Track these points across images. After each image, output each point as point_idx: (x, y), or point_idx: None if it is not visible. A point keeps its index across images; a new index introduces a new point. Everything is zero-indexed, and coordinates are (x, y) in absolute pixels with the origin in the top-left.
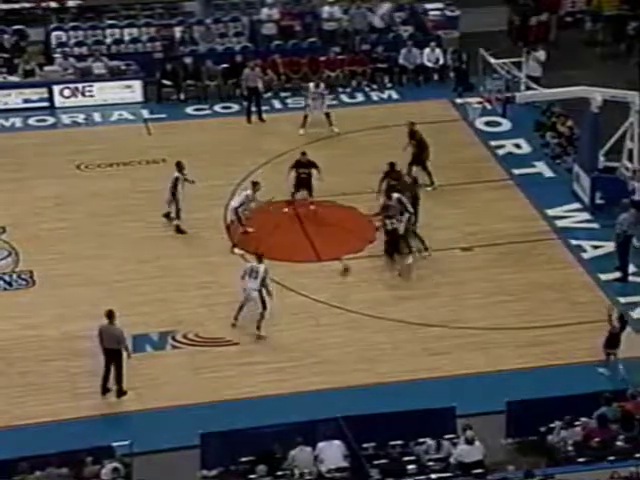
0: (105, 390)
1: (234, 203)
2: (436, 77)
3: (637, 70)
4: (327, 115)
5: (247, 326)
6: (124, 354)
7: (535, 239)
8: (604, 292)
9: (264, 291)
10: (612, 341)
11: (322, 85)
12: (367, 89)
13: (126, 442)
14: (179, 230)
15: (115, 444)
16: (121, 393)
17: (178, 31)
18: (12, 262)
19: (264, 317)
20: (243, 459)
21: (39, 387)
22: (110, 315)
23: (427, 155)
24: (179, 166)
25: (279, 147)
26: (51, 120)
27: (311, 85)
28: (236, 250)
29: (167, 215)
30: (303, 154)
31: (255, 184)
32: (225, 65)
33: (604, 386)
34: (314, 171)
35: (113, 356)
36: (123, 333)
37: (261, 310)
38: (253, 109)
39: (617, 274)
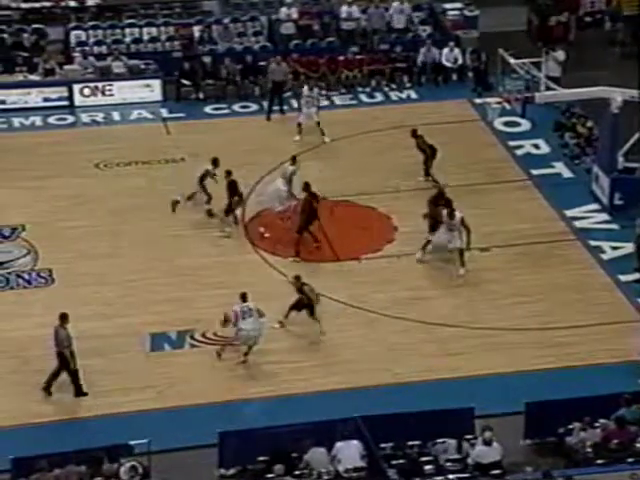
0: (47, 388)
1: (281, 186)
2: (455, 77)
3: None
4: (317, 124)
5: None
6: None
7: (554, 240)
8: (623, 293)
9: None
10: None
11: (316, 90)
12: (386, 89)
13: (144, 440)
14: (210, 214)
15: (133, 442)
16: (79, 393)
17: (197, 30)
18: (31, 260)
19: None
20: (261, 458)
21: (56, 385)
22: (62, 317)
23: (432, 161)
24: (215, 162)
25: (297, 146)
26: (71, 119)
27: (305, 88)
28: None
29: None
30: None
31: (294, 158)
32: (239, 66)
33: (623, 387)
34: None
35: (60, 359)
36: (68, 338)
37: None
38: (274, 107)
39: (636, 275)
